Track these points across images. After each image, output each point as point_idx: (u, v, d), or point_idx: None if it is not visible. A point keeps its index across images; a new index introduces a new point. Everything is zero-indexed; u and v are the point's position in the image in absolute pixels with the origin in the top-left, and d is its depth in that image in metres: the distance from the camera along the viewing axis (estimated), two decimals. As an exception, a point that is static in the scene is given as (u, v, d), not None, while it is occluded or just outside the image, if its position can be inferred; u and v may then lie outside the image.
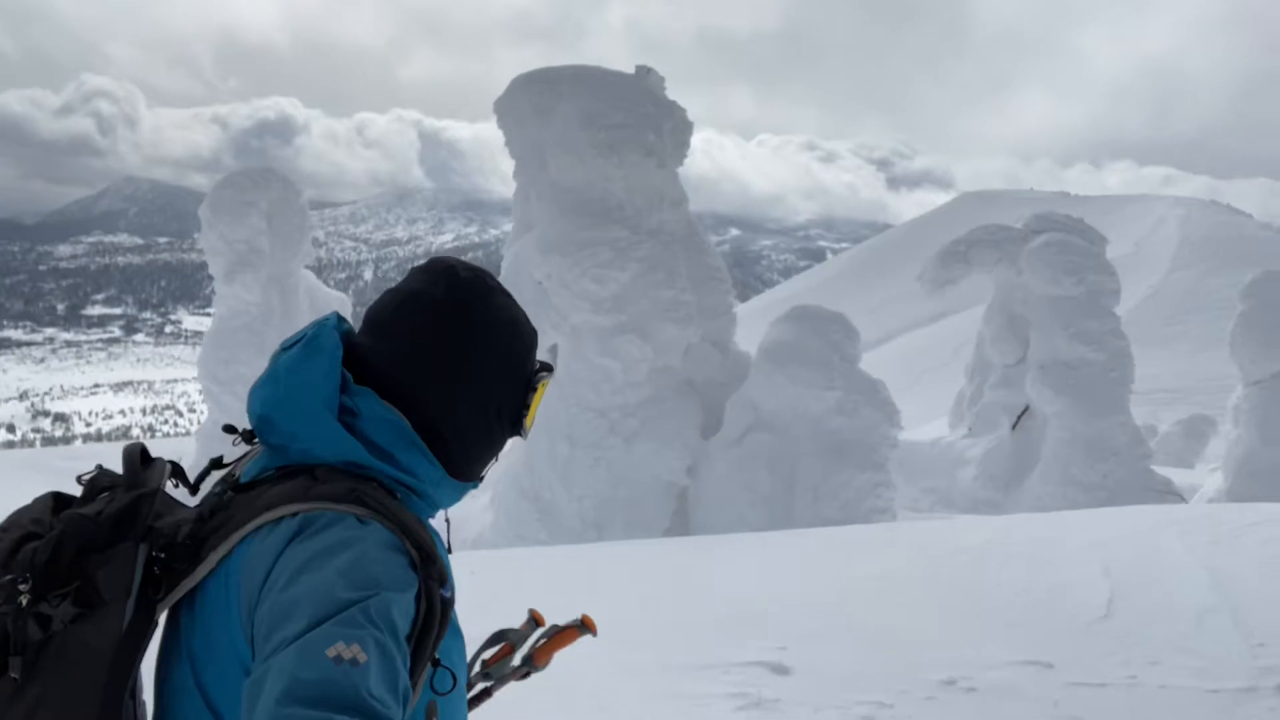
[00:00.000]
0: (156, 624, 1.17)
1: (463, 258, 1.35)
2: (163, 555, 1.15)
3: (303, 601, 1.02)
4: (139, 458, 1.21)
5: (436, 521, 1.33)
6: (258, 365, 13.17)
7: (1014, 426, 17.21)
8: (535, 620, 1.61)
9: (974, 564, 5.96)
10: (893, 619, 5.16)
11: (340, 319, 1.31)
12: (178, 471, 1.24)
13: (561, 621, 1.66)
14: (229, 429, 1.29)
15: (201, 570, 1.15)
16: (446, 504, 1.30)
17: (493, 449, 1.32)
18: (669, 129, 11.11)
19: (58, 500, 1.20)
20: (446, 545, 1.30)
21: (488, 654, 1.59)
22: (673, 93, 11.49)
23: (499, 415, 1.29)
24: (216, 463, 1.28)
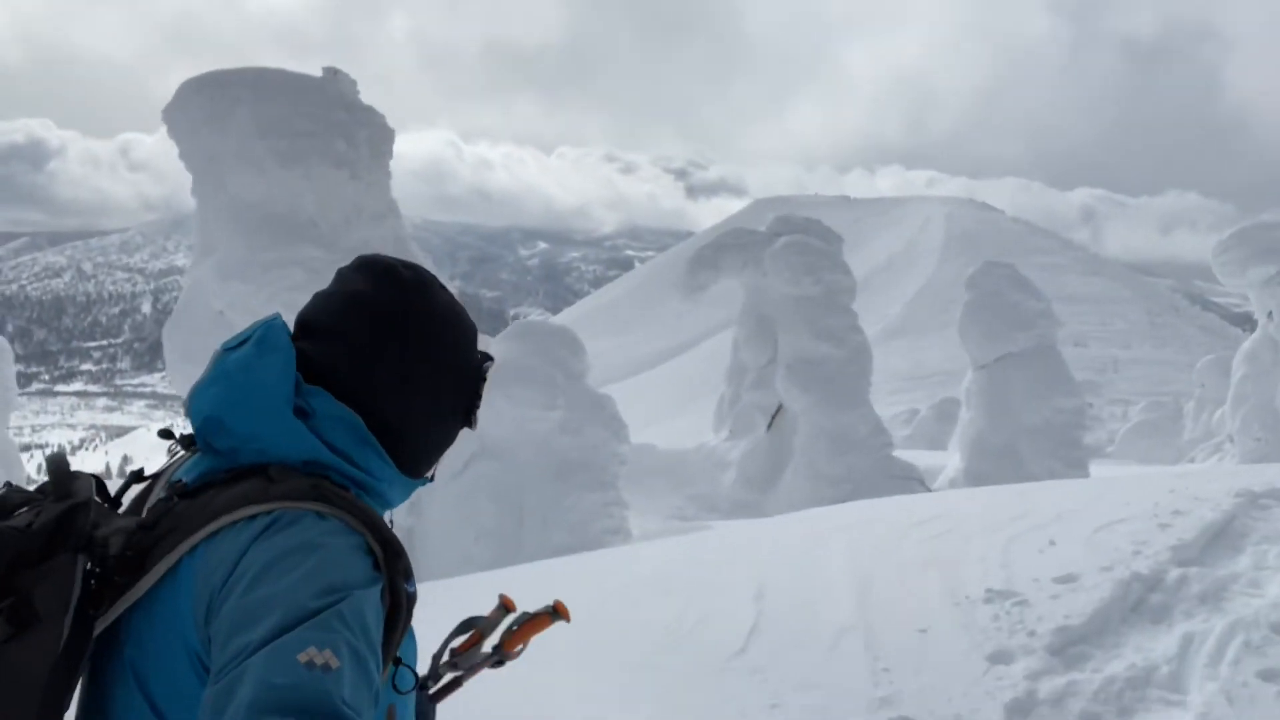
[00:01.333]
0: (91, 641, 1.09)
1: None
2: (99, 569, 1.10)
3: (269, 604, 0.99)
4: (66, 468, 1.16)
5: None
6: None
7: (769, 427, 17.52)
8: (505, 606, 1.57)
9: (632, 601, 5.50)
10: (533, 676, 4.55)
11: (282, 320, 1.27)
12: (100, 486, 1.19)
13: (533, 608, 1.60)
14: (165, 434, 1.26)
15: (146, 581, 1.10)
16: (397, 502, 1.29)
17: (446, 444, 1.32)
18: (365, 137, 10.19)
19: None
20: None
21: (456, 642, 1.55)
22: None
23: (452, 410, 1.29)
24: (137, 475, 1.25)
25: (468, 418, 1.32)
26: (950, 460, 20.10)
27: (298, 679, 0.93)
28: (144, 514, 1.18)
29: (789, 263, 16.78)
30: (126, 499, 1.24)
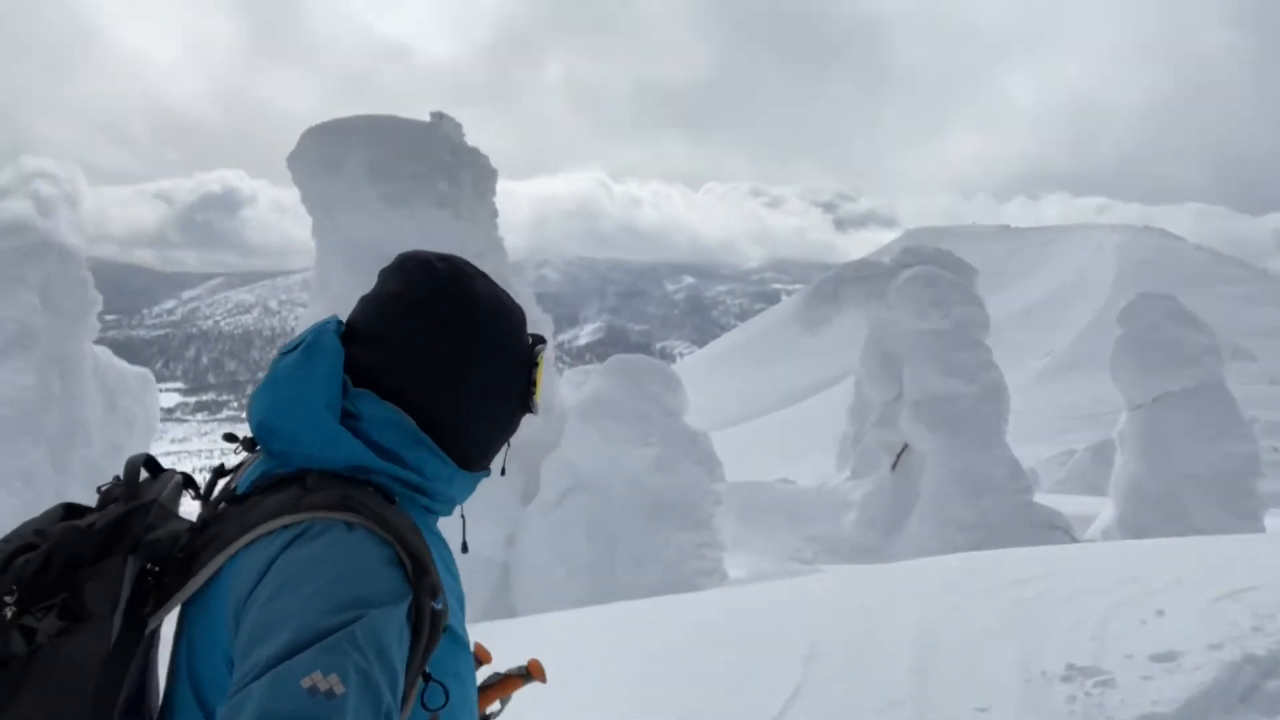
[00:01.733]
0: (148, 639, 1.12)
1: None
2: (155, 568, 1.12)
3: (283, 620, 0.99)
4: (140, 469, 1.20)
5: (453, 521, 1.32)
6: (33, 457, 12.11)
7: (893, 466, 16.63)
8: (478, 658, 1.46)
9: (684, 652, 5.19)
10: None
11: (340, 323, 1.28)
12: (189, 482, 1.24)
13: (505, 667, 1.56)
14: (229, 437, 1.27)
15: (193, 584, 1.11)
16: (461, 498, 1.27)
17: (506, 433, 1.29)
18: (468, 177, 10.46)
19: (68, 511, 1.17)
20: (463, 545, 1.31)
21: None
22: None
23: (505, 399, 1.27)
24: (221, 470, 1.26)
25: (524, 403, 1.28)
26: (1105, 509, 18.45)
27: (298, 706, 0.92)
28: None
29: (915, 296, 15.96)
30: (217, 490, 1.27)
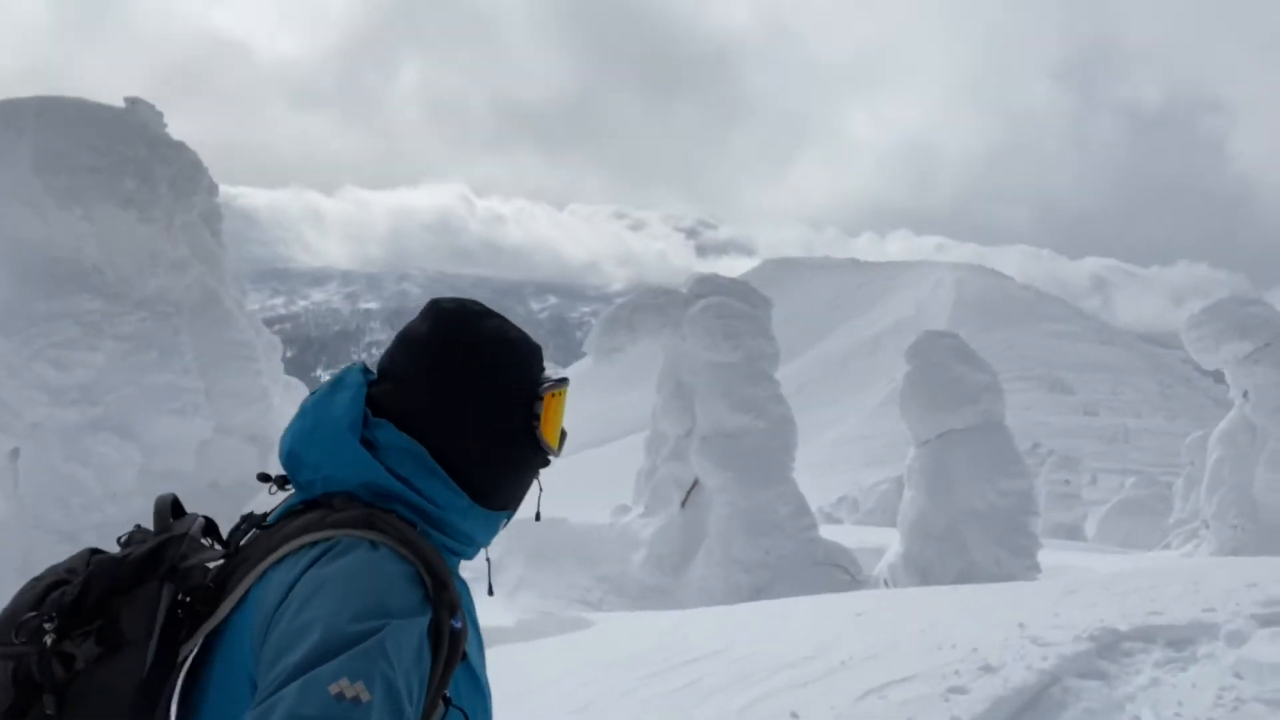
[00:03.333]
0: (179, 668, 1.14)
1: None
2: (188, 598, 1.16)
3: (311, 627, 1.01)
4: (170, 508, 1.25)
5: (477, 563, 1.37)
6: None
7: (683, 503, 16.12)
8: None
9: None
10: None
11: (365, 367, 1.34)
12: (212, 528, 1.26)
13: None
14: (263, 477, 1.29)
15: (223, 610, 1.14)
16: (481, 538, 1.29)
17: (518, 471, 1.30)
18: (165, 175, 9.09)
19: (94, 554, 1.19)
20: (489, 588, 1.37)
21: None
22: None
23: (508, 435, 1.28)
24: (248, 517, 1.26)
25: (532, 441, 1.29)
26: (893, 544, 18.58)
27: (325, 711, 0.93)
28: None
29: (707, 326, 15.57)
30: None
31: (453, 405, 1.25)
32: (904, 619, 6.56)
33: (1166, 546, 23.75)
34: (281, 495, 1.30)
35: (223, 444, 9.31)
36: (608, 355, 16.38)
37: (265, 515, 1.26)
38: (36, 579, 1.15)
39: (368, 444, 1.21)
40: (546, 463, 1.33)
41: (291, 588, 1.07)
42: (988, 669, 4.77)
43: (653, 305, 16.28)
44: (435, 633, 1.09)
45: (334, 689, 0.95)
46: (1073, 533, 29.23)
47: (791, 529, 14.91)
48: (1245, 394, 21.05)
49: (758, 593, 14.67)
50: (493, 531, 1.30)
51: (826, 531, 27.90)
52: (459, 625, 1.12)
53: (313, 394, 1.29)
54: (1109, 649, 5.52)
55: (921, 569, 16.68)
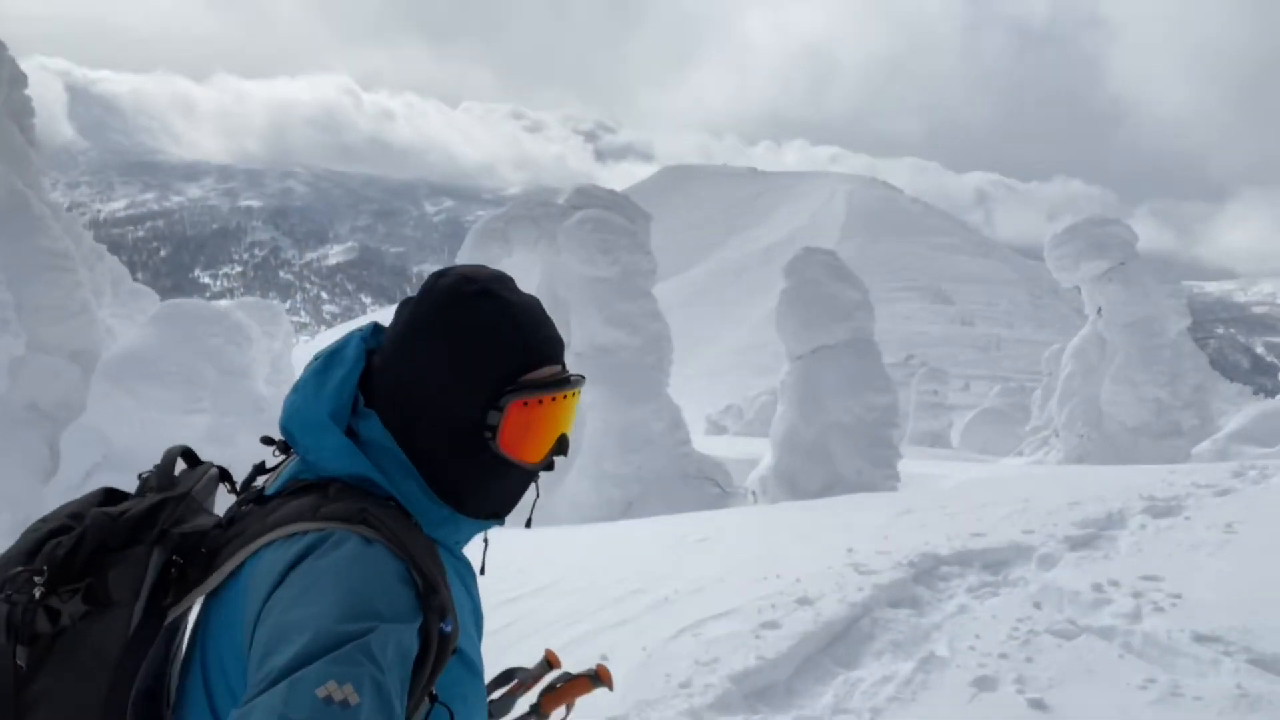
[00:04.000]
0: (168, 631, 1.13)
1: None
2: (179, 560, 1.14)
3: (301, 627, 0.99)
4: (176, 460, 1.22)
5: (475, 544, 1.32)
6: None
7: (557, 418, 16.07)
8: (549, 662, 1.52)
9: None
10: None
11: (377, 329, 1.26)
12: (225, 476, 1.25)
13: (576, 669, 1.57)
14: (267, 440, 1.26)
15: (214, 579, 1.13)
16: (463, 540, 1.24)
17: (491, 478, 1.19)
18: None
19: (108, 495, 1.19)
20: (481, 567, 1.30)
21: (496, 694, 1.49)
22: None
23: (460, 443, 1.17)
24: (260, 468, 1.25)
25: (493, 453, 1.18)
26: (766, 456, 19.08)
27: (313, 715, 0.92)
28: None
29: (583, 240, 15.21)
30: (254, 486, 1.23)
31: (418, 398, 1.17)
32: (743, 544, 6.64)
33: (1019, 454, 25.26)
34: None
35: (39, 362, 8.55)
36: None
37: (263, 488, 1.23)
38: (42, 521, 1.15)
39: (353, 432, 1.17)
40: (535, 474, 1.22)
41: (282, 576, 1.06)
42: (804, 601, 4.84)
43: (528, 216, 15.77)
44: (424, 636, 1.07)
45: (322, 692, 0.94)
46: (938, 440, 30.78)
47: (664, 444, 15.05)
48: (1099, 310, 22.22)
49: (628, 507, 14.86)
50: (468, 535, 1.24)
51: (711, 441, 28.54)
52: (448, 629, 1.10)
53: (315, 359, 1.23)
54: (927, 574, 5.70)
55: (790, 481, 17.22)
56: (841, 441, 17.07)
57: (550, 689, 1.50)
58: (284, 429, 1.20)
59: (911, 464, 20.62)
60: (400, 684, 1.02)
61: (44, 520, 1.15)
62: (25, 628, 1.05)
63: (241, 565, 1.11)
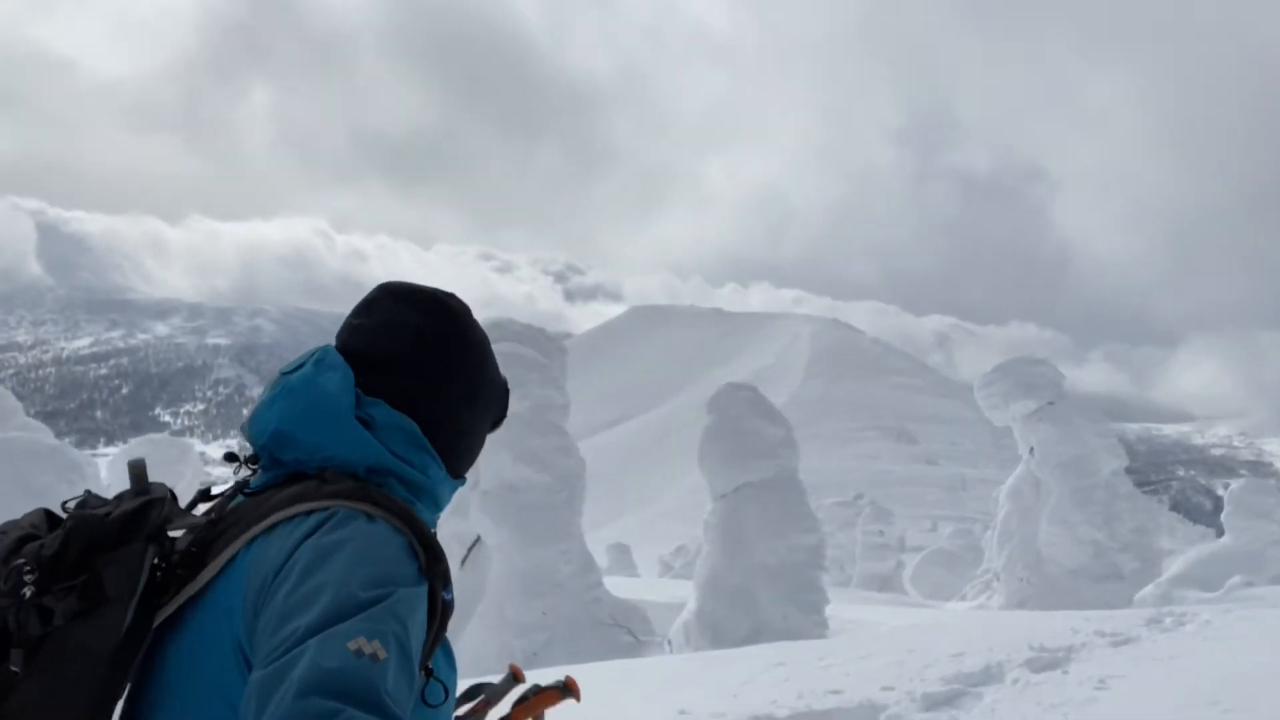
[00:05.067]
0: (151, 630, 1.14)
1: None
2: (167, 561, 1.15)
3: (321, 591, 1.03)
4: (144, 469, 1.23)
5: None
6: None
7: (463, 562, 15.24)
8: (515, 677, 1.56)
9: None
10: None
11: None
12: (173, 497, 1.25)
13: (544, 681, 1.61)
14: (230, 457, 1.31)
15: (205, 574, 1.14)
16: (445, 503, 1.38)
17: (478, 449, 1.42)
18: None
19: (50, 516, 1.18)
20: (463, 559, 1.37)
21: (462, 710, 1.51)
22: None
23: (493, 420, 1.43)
24: (205, 493, 1.28)
25: (494, 426, 1.44)
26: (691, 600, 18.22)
27: (346, 664, 0.97)
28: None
29: (493, 374, 14.91)
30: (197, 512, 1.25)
31: (460, 391, 1.32)
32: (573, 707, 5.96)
33: (963, 598, 24.51)
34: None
35: None
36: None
37: (245, 484, 1.25)
38: (18, 521, 1.14)
39: (362, 421, 1.24)
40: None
41: (292, 552, 1.08)
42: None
43: (438, 351, 15.52)
44: (430, 603, 1.13)
45: (353, 645, 0.98)
46: (887, 583, 29.93)
47: (574, 587, 14.28)
48: (1030, 450, 22.08)
49: (532, 658, 13.90)
50: (451, 497, 1.37)
51: (654, 584, 27.47)
52: (450, 598, 1.17)
53: (290, 373, 1.27)
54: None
55: (712, 627, 16.34)
56: (766, 585, 16.35)
57: (522, 700, 1.53)
58: (277, 434, 1.23)
59: (850, 608, 19.81)
60: (420, 647, 1.07)
61: (1, 530, 1.12)
62: (20, 629, 1.02)
63: (235, 555, 1.13)
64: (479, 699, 1.52)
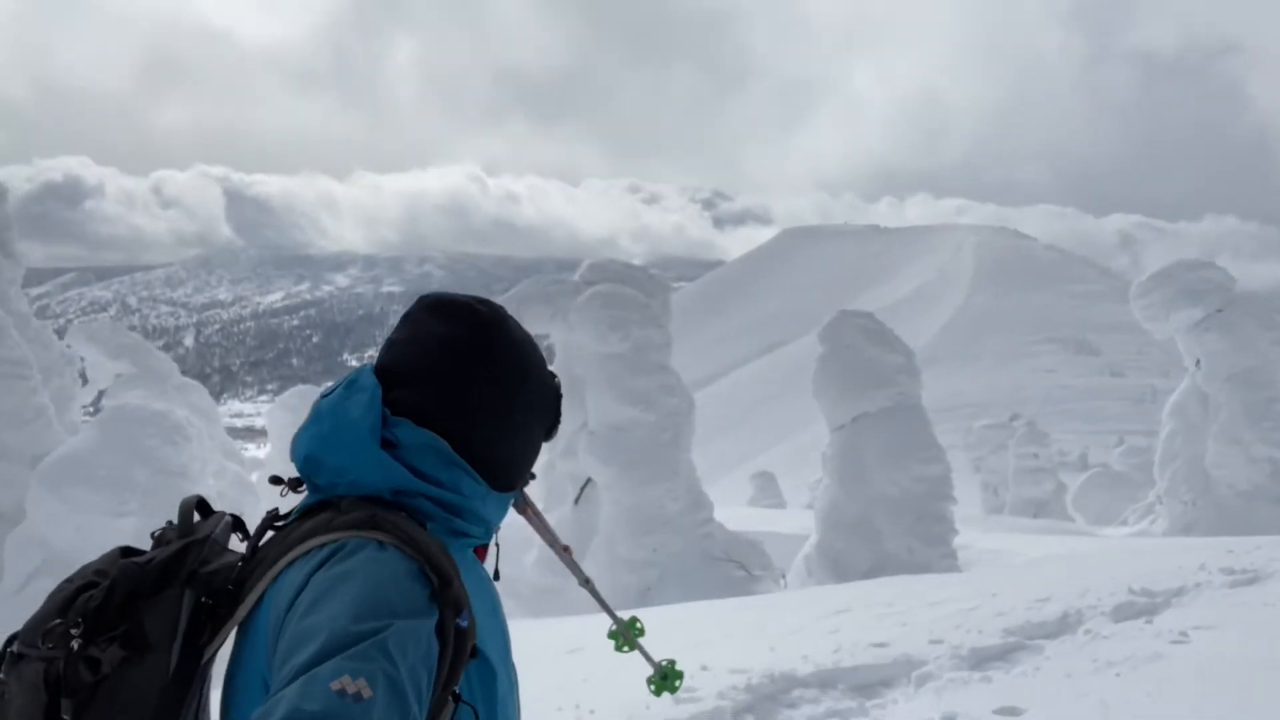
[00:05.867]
0: (203, 670, 1.17)
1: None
2: (209, 601, 1.18)
3: (316, 630, 1.04)
4: (193, 509, 1.27)
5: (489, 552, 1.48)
6: None
7: (576, 500, 15.57)
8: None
9: None
10: None
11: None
12: (239, 525, 1.30)
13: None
14: (275, 480, 1.31)
15: (242, 610, 1.18)
16: (495, 517, 1.34)
17: (531, 459, 1.39)
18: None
19: (125, 552, 1.22)
20: (494, 572, 1.43)
21: None
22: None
23: (540, 428, 1.37)
24: (274, 515, 1.30)
25: (550, 432, 1.40)
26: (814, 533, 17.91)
27: (327, 706, 0.95)
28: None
29: (594, 316, 14.91)
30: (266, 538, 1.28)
31: (498, 409, 1.29)
32: (601, 658, 5.97)
33: (1123, 523, 22.85)
34: (294, 496, 1.33)
35: (-3, 468, 8.92)
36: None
37: (281, 516, 1.28)
38: (68, 580, 1.18)
39: (387, 442, 1.24)
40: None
41: (300, 590, 1.10)
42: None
43: (540, 295, 15.65)
44: (441, 631, 1.10)
45: (335, 685, 0.96)
46: (1042, 509, 28.30)
47: (683, 524, 14.32)
48: (1197, 363, 20.06)
49: (646, 593, 14.13)
50: (504, 511, 1.35)
51: (783, 515, 27.21)
52: (465, 624, 1.13)
53: (324, 396, 1.30)
54: (766, 702, 4.90)
55: (833, 561, 16.03)
56: (888, 517, 15.81)
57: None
58: (308, 458, 1.25)
59: (993, 537, 18.90)
60: (423, 680, 1.04)
61: (69, 580, 1.18)
62: (69, 680, 1.07)
63: (265, 591, 1.15)
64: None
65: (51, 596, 1.16)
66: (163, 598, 1.13)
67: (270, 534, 1.24)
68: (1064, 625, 6.21)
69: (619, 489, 14.34)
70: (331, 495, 1.22)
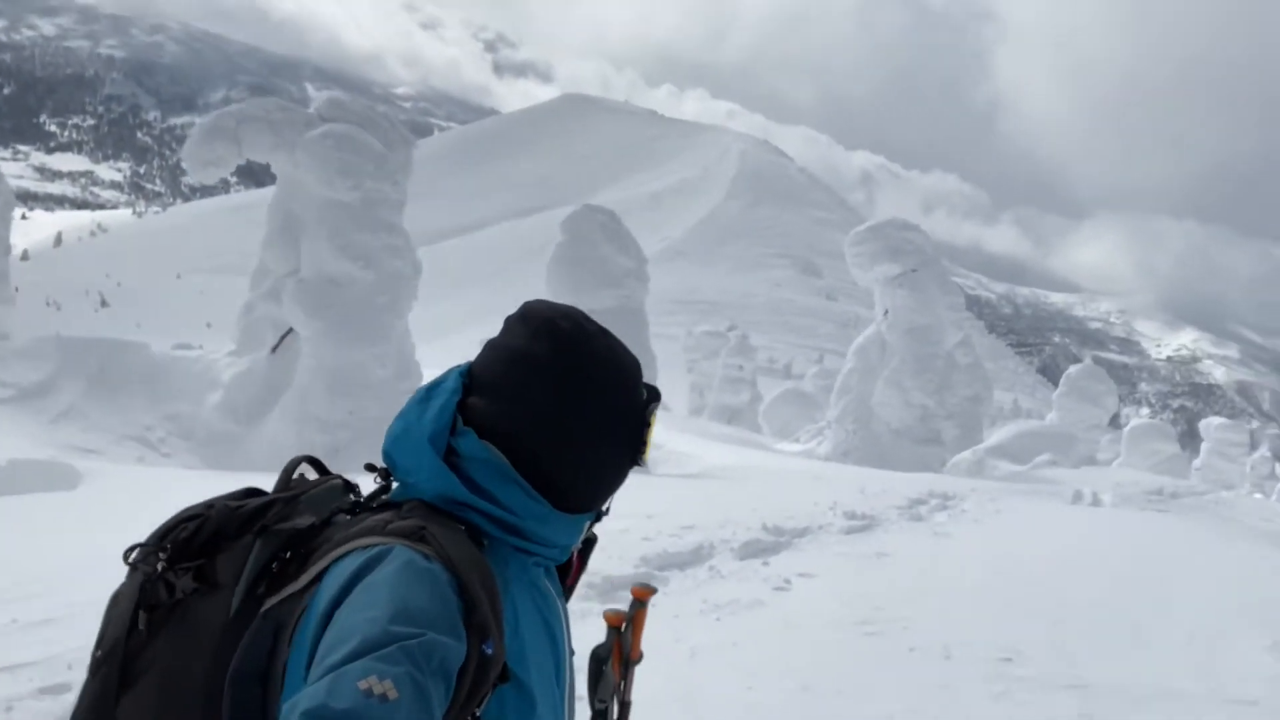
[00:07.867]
0: (271, 622, 1.18)
1: None
2: (286, 555, 1.22)
3: (352, 631, 1.05)
4: (296, 466, 1.32)
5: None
6: None
7: (274, 349, 14.65)
8: (638, 600, 1.53)
9: None
10: None
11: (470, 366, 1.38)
12: (350, 487, 1.32)
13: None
14: (370, 467, 1.33)
15: (304, 579, 1.19)
16: (565, 540, 1.31)
17: (616, 483, 1.35)
18: None
19: (248, 494, 1.29)
20: (566, 595, 1.37)
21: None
22: None
23: (617, 453, 1.32)
24: (386, 489, 1.31)
25: (635, 457, 1.35)
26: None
27: (353, 704, 0.97)
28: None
29: (324, 157, 13.69)
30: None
31: (567, 430, 1.26)
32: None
33: (796, 440, 25.54)
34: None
35: None
36: (204, 168, 14.11)
37: (357, 499, 1.30)
38: (189, 507, 1.25)
39: (453, 451, 1.24)
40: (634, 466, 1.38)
41: (346, 586, 1.11)
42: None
43: (266, 119, 14.05)
44: (466, 654, 1.10)
45: (363, 685, 0.97)
46: (736, 416, 30.93)
47: (385, 392, 13.95)
48: (886, 313, 22.39)
49: (334, 453, 13.74)
50: (578, 532, 1.32)
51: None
52: (490, 651, 1.12)
53: (416, 393, 1.32)
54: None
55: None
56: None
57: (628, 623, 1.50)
58: (386, 454, 1.28)
59: (683, 439, 20.30)
60: (441, 694, 1.04)
61: (190, 507, 1.24)
62: (149, 595, 1.18)
63: (324, 570, 1.17)
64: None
65: (174, 515, 1.24)
66: (238, 544, 1.19)
67: (340, 514, 1.25)
68: (696, 557, 6.78)
69: (323, 346, 13.64)
70: (403, 495, 1.24)
